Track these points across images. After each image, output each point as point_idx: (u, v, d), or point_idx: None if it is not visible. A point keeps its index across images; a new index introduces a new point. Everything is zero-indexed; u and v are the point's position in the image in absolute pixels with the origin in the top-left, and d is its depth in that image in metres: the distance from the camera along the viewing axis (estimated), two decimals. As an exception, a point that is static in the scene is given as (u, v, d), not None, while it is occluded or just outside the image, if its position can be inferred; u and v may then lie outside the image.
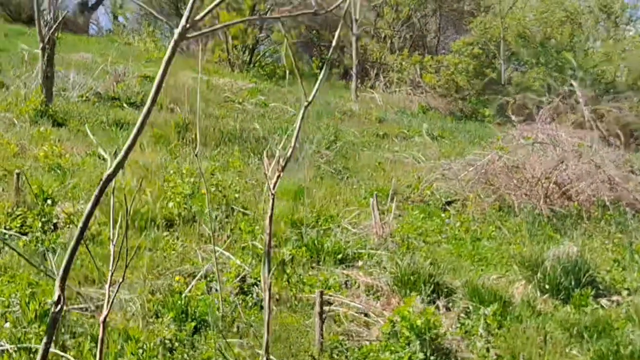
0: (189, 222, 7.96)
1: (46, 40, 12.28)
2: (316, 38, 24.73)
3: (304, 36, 24.27)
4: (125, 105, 14.14)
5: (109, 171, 2.59)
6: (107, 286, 3.01)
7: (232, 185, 8.98)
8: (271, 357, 5.25)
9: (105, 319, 2.97)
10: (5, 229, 7.15)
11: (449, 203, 10.00)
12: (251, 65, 23.00)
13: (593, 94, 17.67)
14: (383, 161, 12.26)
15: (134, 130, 2.60)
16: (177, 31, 2.62)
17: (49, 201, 7.69)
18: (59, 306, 2.52)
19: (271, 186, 3.69)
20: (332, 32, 23.44)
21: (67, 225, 7.35)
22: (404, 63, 22.10)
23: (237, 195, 8.71)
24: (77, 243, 2.55)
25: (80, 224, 2.57)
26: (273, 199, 3.73)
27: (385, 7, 24.02)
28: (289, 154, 3.70)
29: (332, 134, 13.23)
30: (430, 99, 21.05)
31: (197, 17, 2.60)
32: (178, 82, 16.23)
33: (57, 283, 2.54)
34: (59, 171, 9.08)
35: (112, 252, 3.05)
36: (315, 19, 23.36)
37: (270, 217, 3.74)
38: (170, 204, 8.11)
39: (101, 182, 2.56)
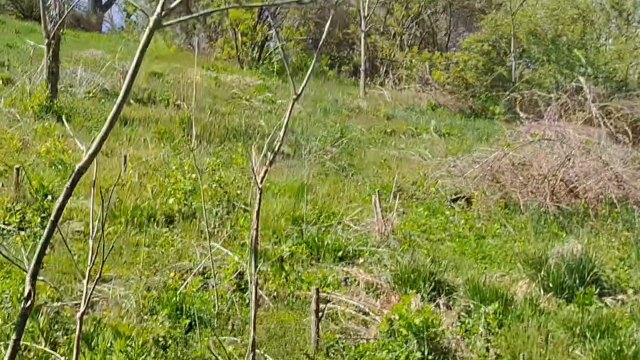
0: (189, 218, 7.89)
1: (51, 36, 12.25)
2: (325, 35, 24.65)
3: (313, 33, 24.18)
4: (131, 101, 14.08)
5: (81, 163, 2.52)
6: (84, 282, 2.94)
7: (235, 182, 8.90)
8: (265, 355, 5.18)
9: (82, 315, 2.90)
10: (4, 224, 7.11)
11: (454, 200, 9.88)
12: (260, 62, 22.92)
13: (605, 92, 17.48)
14: (389, 158, 12.15)
15: (107, 121, 2.53)
16: (152, 19, 2.55)
17: (49, 197, 7.64)
18: (29, 302, 2.46)
19: (258, 180, 3.62)
20: (341, 30, 23.37)
21: (66, 221, 7.30)
22: (413, 60, 21.98)
23: (239, 192, 8.62)
24: (48, 237, 2.49)
25: (51, 217, 2.50)
26: (260, 194, 3.66)
27: (395, 4, 23.92)
28: (276, 148, 3.62)
29: (338, 130, 13.14)
30: (439, 96, 20.91)
31: (172, 5, 2.53)
32: (186, 78, 16.22)
33: (28, 278, 2.48)
34: (61, 167, 9.02)
35: (91, 247, 2.98)
36: (323, 15, 23.29)
37: (258, 212, 3.67)
38: (171, 200, 8.04)
39: (73, 174, 2.50)
